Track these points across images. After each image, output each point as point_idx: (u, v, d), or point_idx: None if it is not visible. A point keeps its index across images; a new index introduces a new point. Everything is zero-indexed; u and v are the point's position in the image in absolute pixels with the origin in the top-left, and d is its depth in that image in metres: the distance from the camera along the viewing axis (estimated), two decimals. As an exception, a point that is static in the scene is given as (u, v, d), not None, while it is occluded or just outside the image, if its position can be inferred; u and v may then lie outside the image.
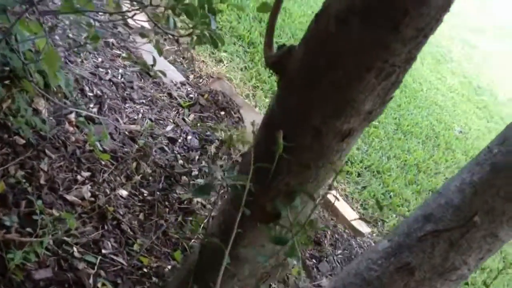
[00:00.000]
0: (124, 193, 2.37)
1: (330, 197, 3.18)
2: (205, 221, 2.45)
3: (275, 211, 1.13)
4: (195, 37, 1.79)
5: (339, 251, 2.99)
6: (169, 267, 2.11)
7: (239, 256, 1.28)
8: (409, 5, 0.75)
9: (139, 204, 2.37)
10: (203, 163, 2.74)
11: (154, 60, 2.18)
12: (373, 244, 3.26)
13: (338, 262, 2.91)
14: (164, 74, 2.23)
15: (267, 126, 1.04)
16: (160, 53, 2.40)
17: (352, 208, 3.43)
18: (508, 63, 9.16)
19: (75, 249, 1.94)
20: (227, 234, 1.27)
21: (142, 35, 2.45)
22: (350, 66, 0.80)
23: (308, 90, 0.88)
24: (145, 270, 2.03)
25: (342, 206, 3.32)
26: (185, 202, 2.43)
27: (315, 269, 2.69)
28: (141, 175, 2.50)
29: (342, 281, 1.39)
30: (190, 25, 1.87)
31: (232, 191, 1.28)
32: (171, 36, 2.75)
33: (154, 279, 2.01)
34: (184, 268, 1.44)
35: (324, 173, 1.02)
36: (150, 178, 2.53)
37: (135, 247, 2.10)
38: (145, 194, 2.44)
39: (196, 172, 2.66)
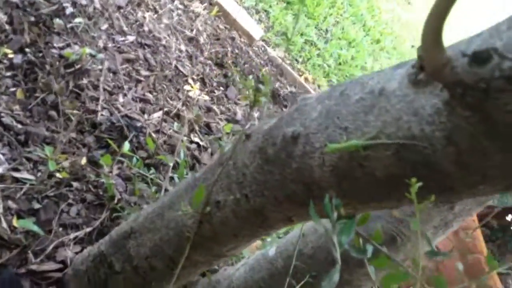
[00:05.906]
0: (-19, 63, 1.68)
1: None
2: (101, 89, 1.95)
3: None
4: None
5: (242, 67, 2.76)
6: (84, 159, 1.72)
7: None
8: None
9: (9, 74, 1.73)
10: (74, -10, 1.99)
11: None
12: (268, 50, 3.06)
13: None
14: None
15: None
16: None
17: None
18: None
19: (-41, 182, 1.42)
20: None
21: None
22: None
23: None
24: (59, 176, 1.62)
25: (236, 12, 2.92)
26: (73, 64, 1.84)
27: (224, 98, 2.48)
28: (-8, 26, 1.75)
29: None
30: None
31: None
32: None
33: (75, 184, 1.64)
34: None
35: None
36: (7, 27, 1.80)
37: (35, 148, 1.62)
38: (10, 56, 1.76)
39: (71, 9, 1.95)
